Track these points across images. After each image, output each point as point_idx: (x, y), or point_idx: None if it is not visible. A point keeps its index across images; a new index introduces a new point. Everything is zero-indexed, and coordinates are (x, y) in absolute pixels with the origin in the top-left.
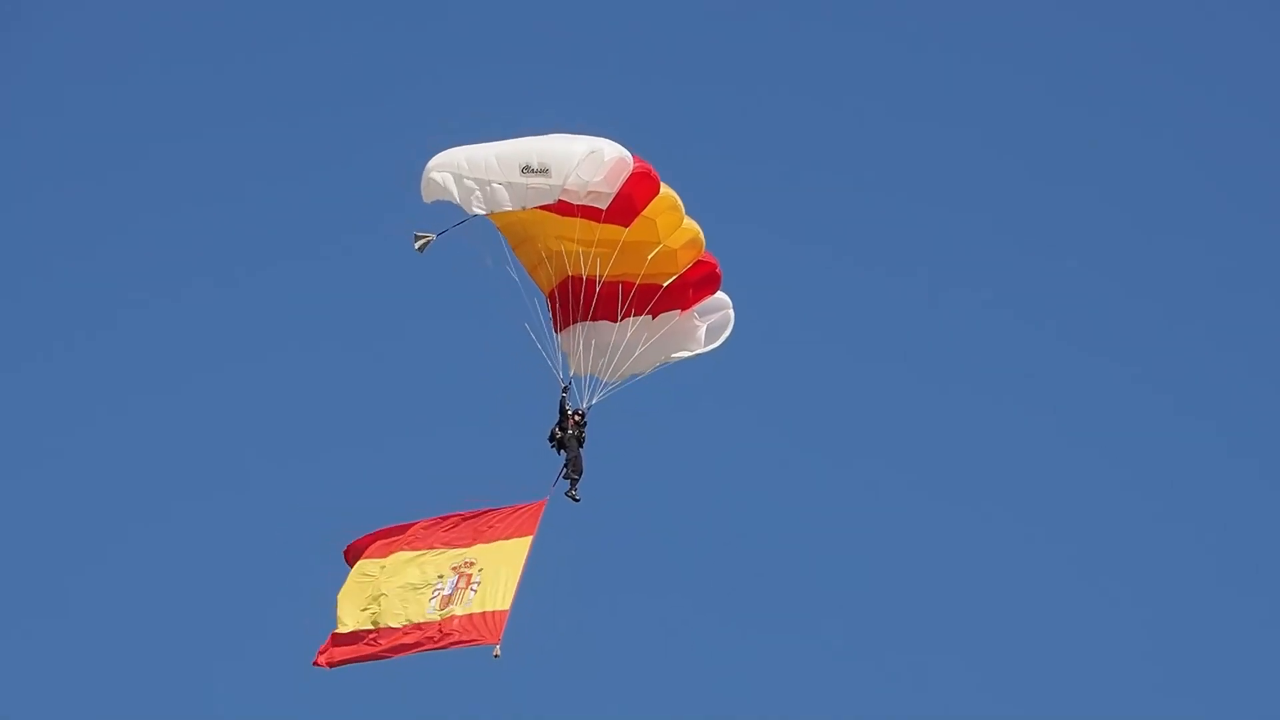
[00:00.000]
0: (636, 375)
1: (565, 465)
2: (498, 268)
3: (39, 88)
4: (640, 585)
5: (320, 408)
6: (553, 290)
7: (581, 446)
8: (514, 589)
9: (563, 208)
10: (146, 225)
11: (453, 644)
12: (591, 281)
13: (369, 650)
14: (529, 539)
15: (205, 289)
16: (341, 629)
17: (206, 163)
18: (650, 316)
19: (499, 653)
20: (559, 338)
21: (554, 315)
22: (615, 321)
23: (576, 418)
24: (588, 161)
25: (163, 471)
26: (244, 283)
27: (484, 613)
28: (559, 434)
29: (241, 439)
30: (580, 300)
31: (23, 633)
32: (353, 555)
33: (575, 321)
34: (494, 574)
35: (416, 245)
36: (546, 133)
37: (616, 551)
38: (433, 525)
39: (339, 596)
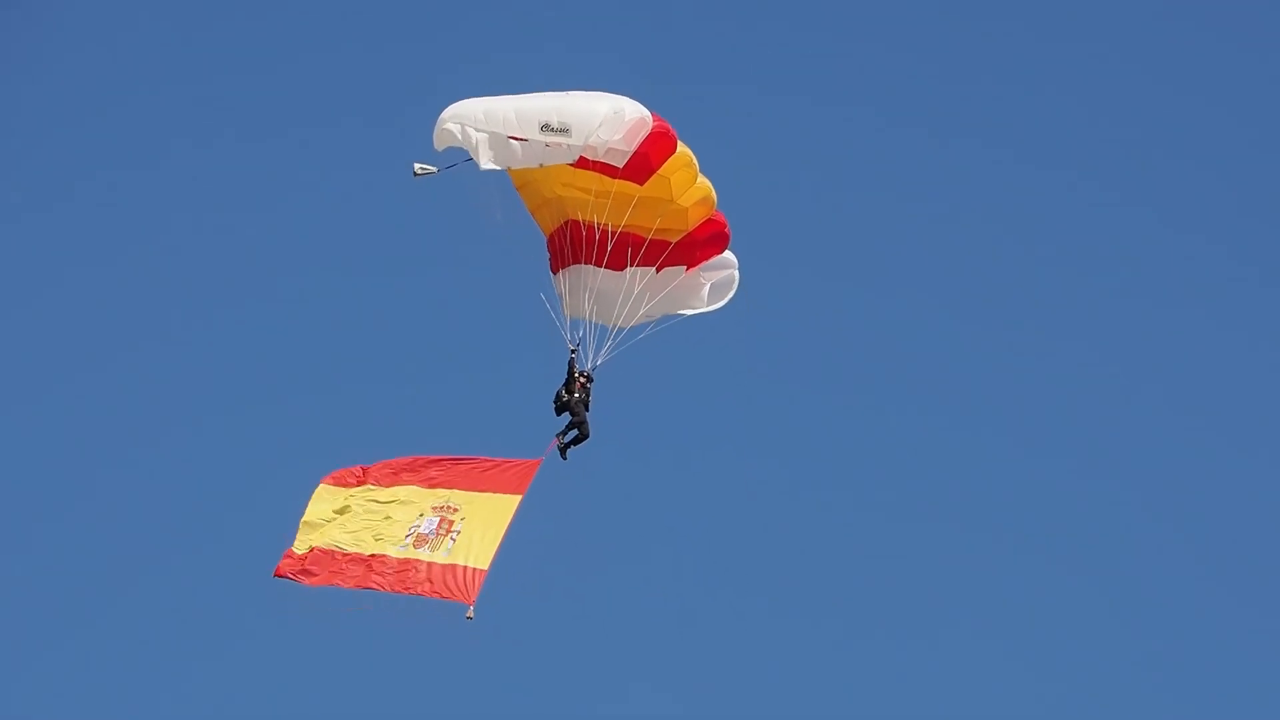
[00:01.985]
0: (635, 327)
1: (566, 428)
2: (508, 221)
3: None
4: (630, 562)
5: (324, 344)
6: (554, 232)
7: (588, 410)
8: (495, 549)
9: (577, 160)
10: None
11: (425, 593)
12: (597, 229)
13: (335, 575)
14: (518, 498)
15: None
16: (305, 545)
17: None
18: (654, 270)
19: (472, 614)
20: (555, 278)
21: (552, 256)
22: (617, 270)
23: (583, 379)
24: (609, 121)
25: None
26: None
27: (461, 567)
28: (565, 396)
29: (242, 370)
30: (583, 245)
31: None
32: (338, 478)
33: (575, 263)
34: (476, 527)
35: (415, 170)
36: (562, 87)
37: (607, 523)
38: (419, 463)
39: (307, 513)
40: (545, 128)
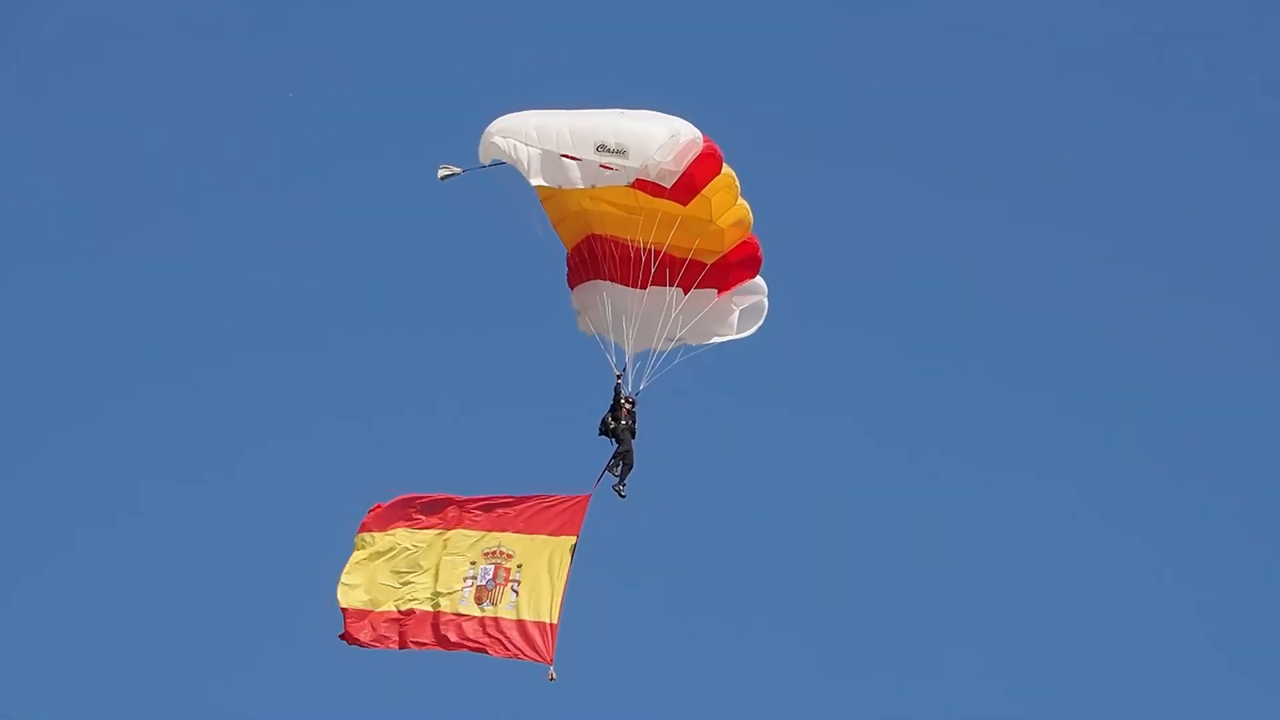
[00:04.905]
0: (669, 353)
1: (613, 457)
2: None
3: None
4: (685, 596)
5: (359, 377)
6: (577, 246)
7: (634, 438)
8: (561, 598)
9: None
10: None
11: (500, 655)
12: (623, 245)
13: (403, 638)
14: (572, 540)
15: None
16: (360, 604)
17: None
18: (684, 292)
19: (554, 675)
20: (573, 293)
21: (571, 270)
22: (642, 289)
23: (628, 405)
24: (666, 145)
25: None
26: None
27: (531, 623)
28: (611, 423)
29: (280, 405)
30: (609, 261)
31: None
32: (372, 521)
33: (597, 279)
34: (536, 575)
35: (440, 175)
36: (604, 106)
37: (661, 555)
38: (460, 503)
39: (350, 565)
40: (601, 148)
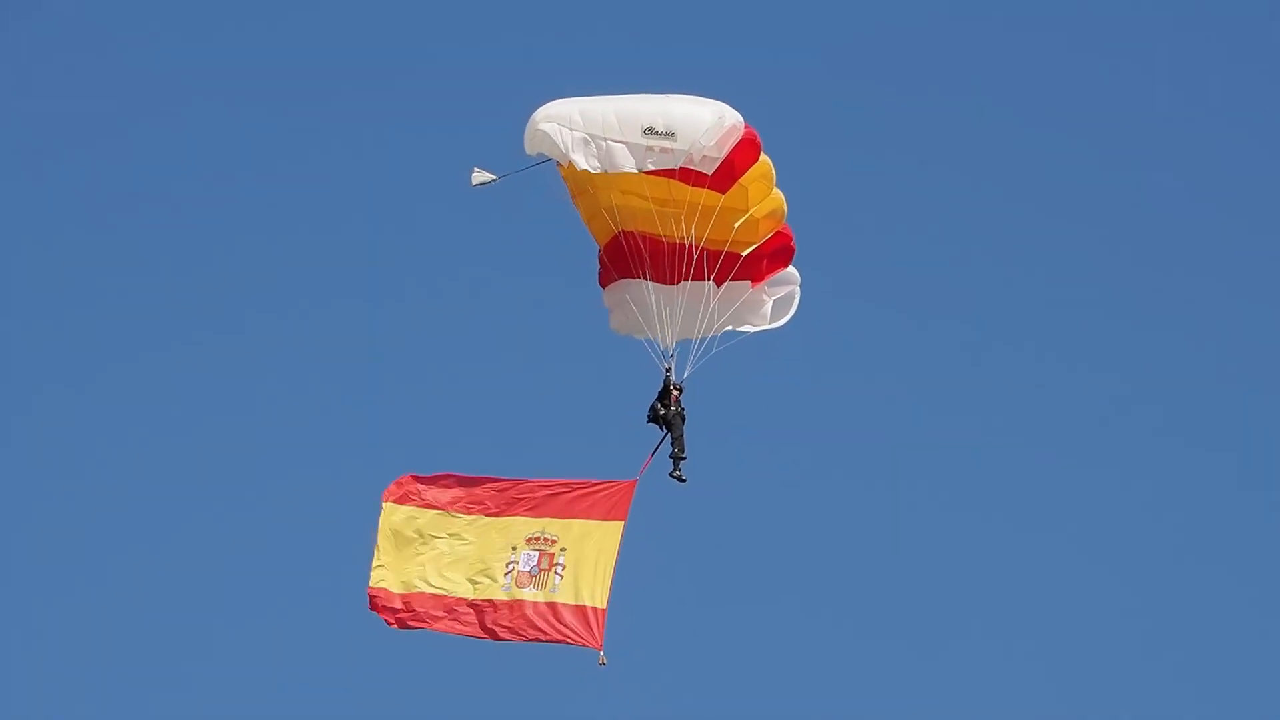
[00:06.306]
0: (704, 341)
1: (663, 442)
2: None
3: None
4: (739, 585)
5: (399, 357)
6: (608, 244)
7: (684, 423)
8: (609, 584)
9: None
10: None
11: (553, 640)
12: (658, 241)
13: (445, 623)
14: (620, 525)
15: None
16: (395, 586)
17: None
18: (715, 283)
19: (604, 660)
20: (605, 292)
21: (603, 268)
22: (674, 284)
23: (677, 392)
24: (713, 128)
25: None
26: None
27: (577, 607)
28: (661, 410)
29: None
30: (643, 257)
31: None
32: (402, 494)
33: (630, 278)
34: (582, 560)
35: (474, 181)
36: (648, 91)
37: (712, 542)
38: (499, 486)
39: (381, 544)
40: (649, 131)
